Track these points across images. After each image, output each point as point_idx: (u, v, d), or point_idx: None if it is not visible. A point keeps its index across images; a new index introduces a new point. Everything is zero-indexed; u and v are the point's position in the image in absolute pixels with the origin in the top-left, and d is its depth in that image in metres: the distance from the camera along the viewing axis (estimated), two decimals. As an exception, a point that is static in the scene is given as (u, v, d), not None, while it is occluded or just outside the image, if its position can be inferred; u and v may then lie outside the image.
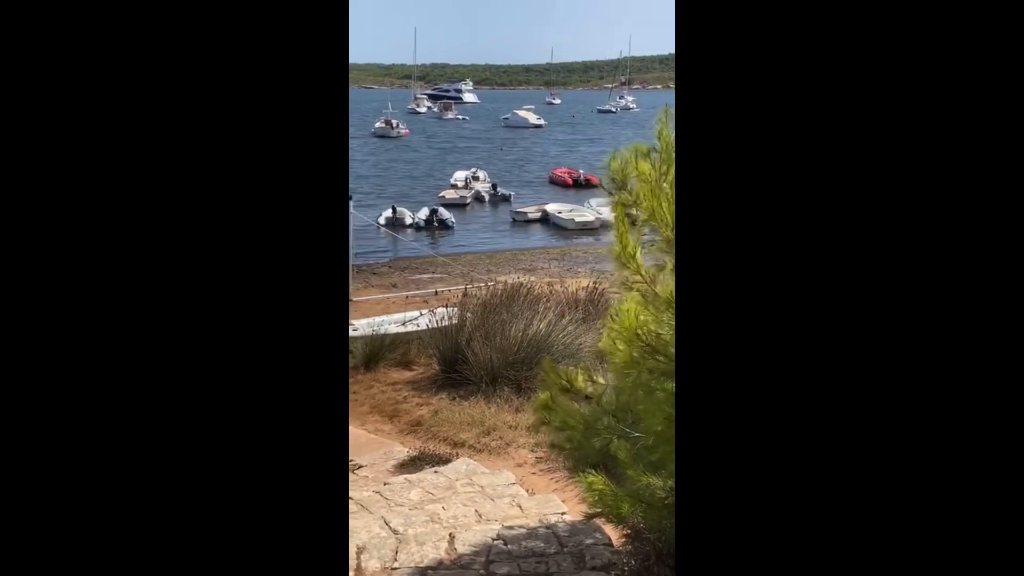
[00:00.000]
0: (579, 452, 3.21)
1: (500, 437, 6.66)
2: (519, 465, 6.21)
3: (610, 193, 3.01)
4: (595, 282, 9.98)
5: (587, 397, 3.26)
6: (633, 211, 2.81)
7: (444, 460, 5.63)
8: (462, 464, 5.29)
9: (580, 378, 3.30)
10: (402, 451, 5.85)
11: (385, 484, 4.87)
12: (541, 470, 6.04)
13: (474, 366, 7.70)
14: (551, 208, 24.94)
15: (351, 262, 10.61)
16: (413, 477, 5.01)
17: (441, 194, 27.71)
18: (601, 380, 3.38)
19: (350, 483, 5.09)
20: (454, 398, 7.60)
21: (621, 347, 2.35)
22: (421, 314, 9.39)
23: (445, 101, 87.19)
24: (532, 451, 6.36)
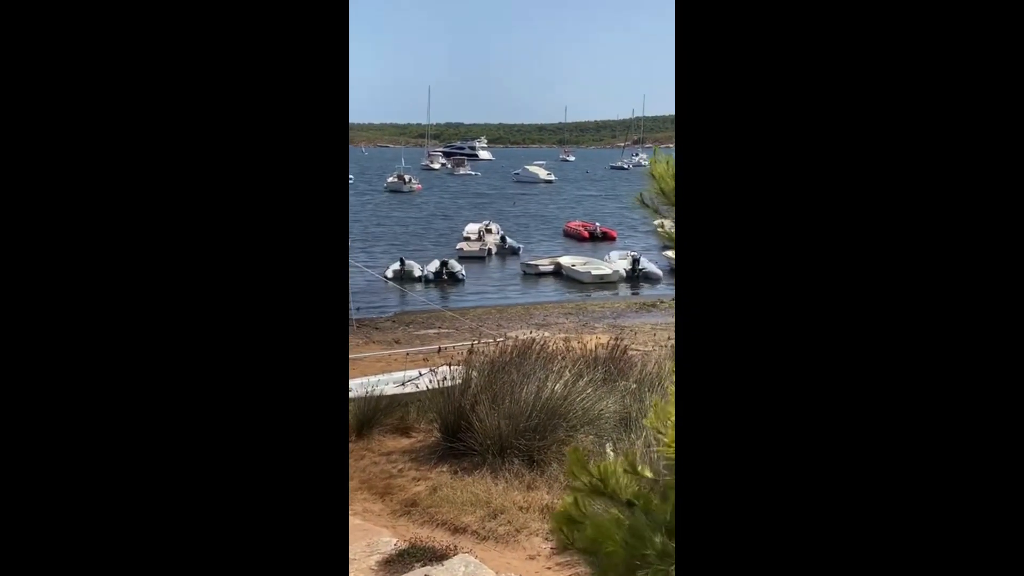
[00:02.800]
0: (618, 585, 2.21)
1: (509, 521, 5.68)
2: (531, 557, 5.23)
3: (655, 211, 2.13)
4: (616, 338, 9.02)
5: (629, 503, 2.27)
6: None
7: (440, 555, 4.61)
8: (460, 563, 4.27)
9: (619, 472, 2.32)
10: (390, 542, 4.83)
11: (362, 591, 3.86)
12: (558, 564, 5.05)
13: (479, 434, 6.75)
14: (565, 260, 24.18)
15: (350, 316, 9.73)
16: (398, 582, 3.99)
17: (459, 246, 27.12)
18: (648, 472, 2.40)
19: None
20: (456, 471, 6.64)
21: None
22: (420, 374, 8.41)
23: (458, 157, 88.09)
24: (547, 539, 5.38)
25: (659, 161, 2.00)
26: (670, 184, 1.97)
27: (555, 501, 5.89)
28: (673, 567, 2.10)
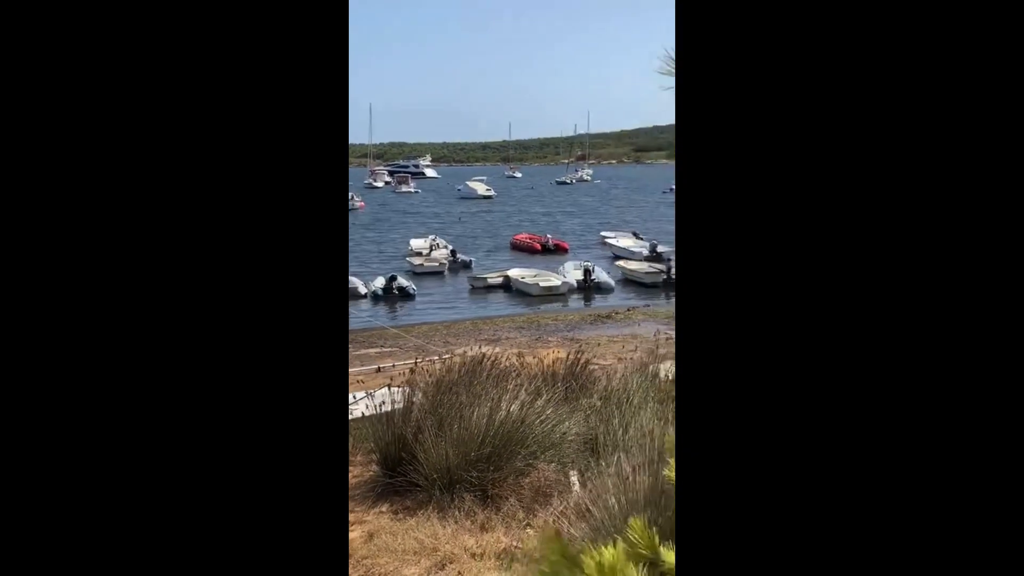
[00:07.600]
0: None
1: (459, 572, 4.76)
2: (488, 618, 4.32)
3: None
4: (576, 352, 8.18)
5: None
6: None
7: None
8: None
9: (627, 562, 1.48)
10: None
11: None
12: (520, 627, 4.16)
13: (424, 466, 5.81)
14: (513, 273, 23.48)
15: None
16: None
17: (417, 262, 26.29)
18: (668, 556, 1.55)
19: None
20: (397, 512, 5.70)
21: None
22: (355, 398, 7.42)
23: (401, 175, 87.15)
24: (506, 594, 4.48)
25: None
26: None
27: (513, 544, 5.00)
28: None
